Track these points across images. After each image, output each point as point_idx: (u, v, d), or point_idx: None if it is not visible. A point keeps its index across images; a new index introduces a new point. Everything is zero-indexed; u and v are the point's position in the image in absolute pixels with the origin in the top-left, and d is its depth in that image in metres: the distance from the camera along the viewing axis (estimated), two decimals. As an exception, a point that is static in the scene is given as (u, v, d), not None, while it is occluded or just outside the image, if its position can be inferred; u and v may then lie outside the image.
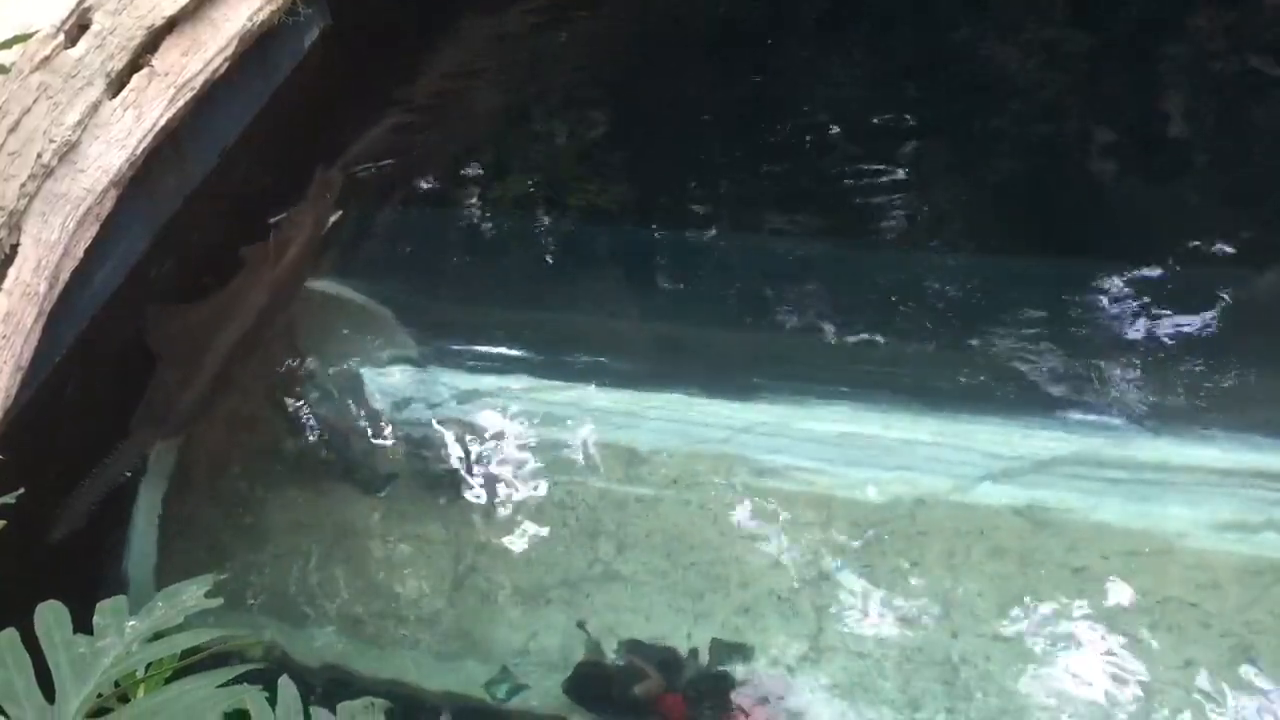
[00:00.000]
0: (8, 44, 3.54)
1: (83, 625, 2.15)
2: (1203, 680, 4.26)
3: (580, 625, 4.57)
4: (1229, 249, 5.92)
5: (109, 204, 4.95)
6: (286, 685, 2.24)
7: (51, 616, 2.10)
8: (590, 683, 4.45)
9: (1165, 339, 5.54)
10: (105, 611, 2.11)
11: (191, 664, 2.19)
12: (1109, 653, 4.37)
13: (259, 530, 5.01)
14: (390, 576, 4.83)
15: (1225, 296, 5.69)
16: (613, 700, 4.41)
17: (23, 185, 4.38)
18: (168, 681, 2.19)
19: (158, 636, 2.13)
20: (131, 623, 2.07)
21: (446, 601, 4.74)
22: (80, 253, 4.77)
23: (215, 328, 5.43)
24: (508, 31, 7.99)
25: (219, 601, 2.15)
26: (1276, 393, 5.30)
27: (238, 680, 2.10)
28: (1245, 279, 5.80)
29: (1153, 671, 4.31)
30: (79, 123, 4.72)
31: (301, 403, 5.40)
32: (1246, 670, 4.27)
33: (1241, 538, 4.74)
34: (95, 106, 4.85)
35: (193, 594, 2.13)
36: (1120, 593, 4.54)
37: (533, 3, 8.14)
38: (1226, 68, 6.95)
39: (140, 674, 2.17)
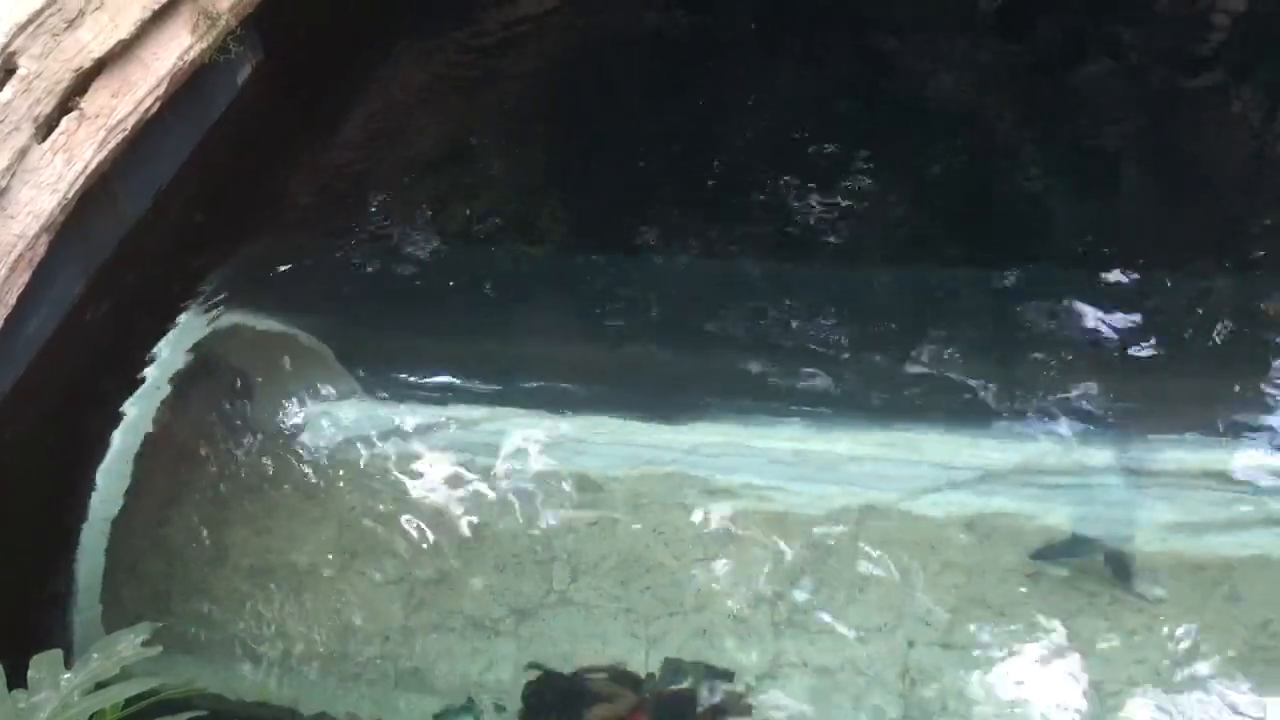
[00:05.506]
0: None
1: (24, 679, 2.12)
2: (1150, 680, 4.31)
3: (531, 666, 4.52)
4: (1168, 259, 6.05)
5: (41, 249, 4.89)
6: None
7: (-17, 674, 2.06)
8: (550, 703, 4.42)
9: (1106, 346, 5.62)
10: (40, 665, 2.07)
11: (138, 710, 2.17)
12: (1064, 657, 4.40)
13: (205, 574, 4.93)
14: (341, 614, 4.77)
15: (1162, 304, 5.79)
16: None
17: (-49, 234, 4.31)
18: (112, 731, 2.16)
19: (100, 687, 2.11)
20: (66, 675, 2.03)
21: (399, 636, 4.69)
22: (13, 300, 4.71)
23: None
24: (443, 60, 8.00)
25: (158, 650, 2.12)
26: (1213, 395, 5.40)
27: (183, 726, 2.08)
28: (1183, 287, 5.91)
29: (1106, 673, 4.35)
30: (8, 168, 4.67)
31: (242, 441, 5.32)
32: (1198, 668, 4.33)
33: (1189, 538, 4.81)
34: (24, 152, 4.80)
35: (129, 644, 2.10)
36: (1072, 596, 4.58)
37: (467, 30, 8.16)
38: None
39: (85, 724, 2.14)
